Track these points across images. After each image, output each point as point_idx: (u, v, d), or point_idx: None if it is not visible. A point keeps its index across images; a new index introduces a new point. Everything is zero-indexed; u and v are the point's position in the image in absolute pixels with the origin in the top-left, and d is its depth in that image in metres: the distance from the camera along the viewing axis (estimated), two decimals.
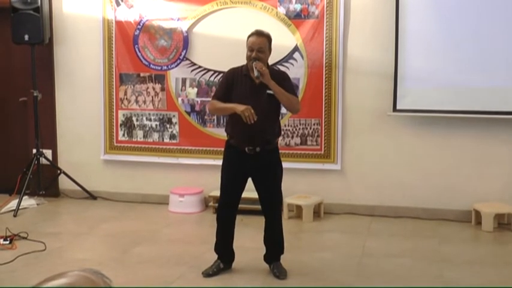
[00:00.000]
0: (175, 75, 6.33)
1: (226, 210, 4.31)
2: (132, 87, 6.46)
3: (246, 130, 4.09)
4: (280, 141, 5.99)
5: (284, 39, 5.92)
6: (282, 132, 5.97)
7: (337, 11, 5.85)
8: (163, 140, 6.44)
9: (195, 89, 6.29)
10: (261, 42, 4.14)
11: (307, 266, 4.51)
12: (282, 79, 4.21)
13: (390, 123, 5.91)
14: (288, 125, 6.07)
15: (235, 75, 4.24)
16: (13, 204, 6.11)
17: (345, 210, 6.04)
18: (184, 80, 6.33)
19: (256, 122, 4.06)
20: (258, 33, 4.18)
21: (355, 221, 5.84)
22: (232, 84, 4.20)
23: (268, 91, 4.11)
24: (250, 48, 4.12)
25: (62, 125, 6.75)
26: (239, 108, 4.02)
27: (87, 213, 6.15)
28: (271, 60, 5.52)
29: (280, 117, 4.48)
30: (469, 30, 5.58)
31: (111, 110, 6.55)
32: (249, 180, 4.30)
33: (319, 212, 5.95)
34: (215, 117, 6.21)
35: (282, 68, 5.77)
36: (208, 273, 4.28)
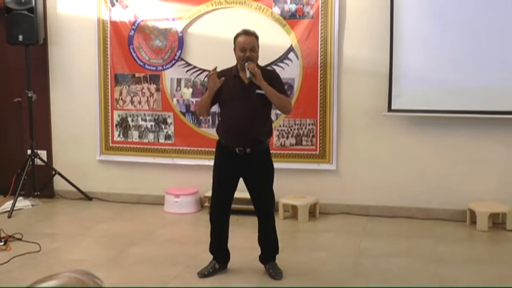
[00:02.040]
0: (170, 75, 6.33)
1: (218, 210, 4.31)
2: (127, 87, 6.45)
3: (236, 131, 4.10)
4: (275, 141, 6.00)
5: (279, 40, 5.93)
6: (277, 133, 6.00)
7: (332, 11, 5.85)
8: (158, 140, 6.44)
9: (190, 90, 6.28)
10: (252, 41, 4.13)
11: (303, 266, 4.51)
12: (273, 79, 4.20)
13: (385, 123, 5.91)
14: (283, 125, 6.07)
15: (223, 77, 4.22)
16: (7, 205, 6.09)
17: (341, 210, 6.04)
18: (179, 81, 6.33)
19: (247, 122, 4.07)
20: (247, 33, 4.17)
21: (351, 221, 5.85)
22: (221, 86, 4.19)
23: (258, 91, 4.10)
24: (243, 48, 4.11)
25: (57, 126, 6.73)
26: (208, 79, 4.19)
27: (83, 213, 6.14)
28: (267, 60, 5.58)
29: (271, 117, 4.47)
30: (464, 30, 5.59)
31: (106, 111, 6.54)
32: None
33: (314, 212, 5.95)
34: (210, 118, 6.21)
35: (277, 68, 5.77)
36: (203, 274, 4.27)
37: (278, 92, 4.14)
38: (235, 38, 4.18)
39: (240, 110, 4.11)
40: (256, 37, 4.19)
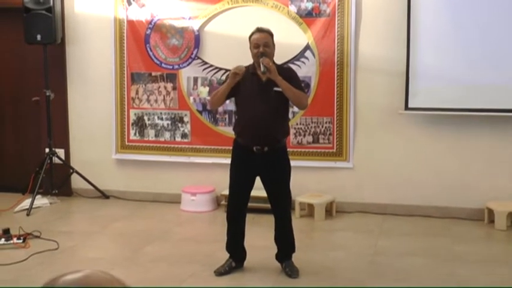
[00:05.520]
0: (186, 74, 6.35)
1: (235, 208, 4.31)
2: (143, 86, 6.48)
3: (254, 129, 4.09)
4: (292, 139, 6.00)
5: (295, 38, 5.92)
6: (294, 131, 6.01)
7: (348, 9, 5.83)
8: (174, 139, 6.46)
9: (207, 88, 6.30)
10: (265, 37, 4.14)
11: (319, 265, 4.50)
12: (289, 76, 4.20)
13: (402, 121, 5.88)
14: (300, 124, 6.07)
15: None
16: (26, 203, 6.15)
17: (357, 209, 6.02)
18: (195, 79, 6.34)
19: (265, 121, 4.06)
20: (260, 30, 4.19)
21: (367, 219, 5.82)
22: (239, 83, 4.19)
23: (275, 88, 4.10)
24: (256, 45, 4.11)
25: (74, 124, 6.78)
26: (230, 74, 4.10)
27: (100, 212, 6.18)
28: (283, 58, 5.56)
29: (289, 116, 4.46)
30: (481, 28, 5.54)
31: (122, 109, 6.57)
32: (259, 178, 4.30)
33: (331, 210, 5.94)
34: (227, 116, 6.22)
35: (293, 66, 5.74)
36: (220, 272, 4.28)
37: (294, 88, 4.14)
38: (250, 36, 4.19)
39: (258, 108, 4.10)
40: (270, 34, 4.19)
